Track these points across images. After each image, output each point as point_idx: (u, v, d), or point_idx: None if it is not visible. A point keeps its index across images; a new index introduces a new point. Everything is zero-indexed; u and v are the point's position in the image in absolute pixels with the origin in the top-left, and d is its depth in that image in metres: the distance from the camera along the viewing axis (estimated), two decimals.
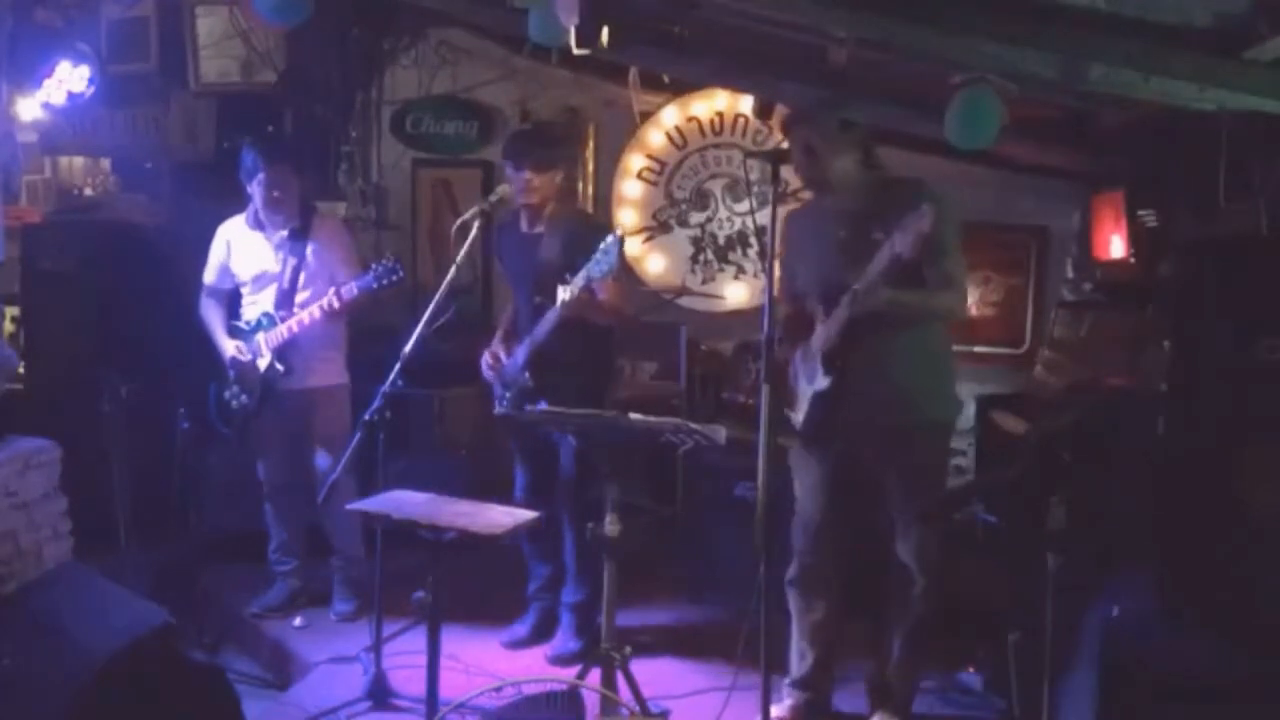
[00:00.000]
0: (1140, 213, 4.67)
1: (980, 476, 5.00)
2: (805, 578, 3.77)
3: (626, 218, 6.35)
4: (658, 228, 6.37)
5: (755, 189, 5.33)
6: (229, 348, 4.67)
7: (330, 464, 4.45)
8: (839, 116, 3.60)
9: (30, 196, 6.83)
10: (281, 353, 4.58)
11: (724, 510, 4.80)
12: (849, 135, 3.57)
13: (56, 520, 4.33)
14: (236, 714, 3.43)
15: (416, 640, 3.74)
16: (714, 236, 6.31)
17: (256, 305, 4.68)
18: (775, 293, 3.38)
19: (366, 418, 3.91)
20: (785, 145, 3.65)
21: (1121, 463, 3.70)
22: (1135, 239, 4.72)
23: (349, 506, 3.72)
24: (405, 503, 3.48)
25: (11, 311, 6.17)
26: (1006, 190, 5.68)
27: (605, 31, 3.37)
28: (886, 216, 3.32)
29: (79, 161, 7.18)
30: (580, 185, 6.39)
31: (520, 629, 4.50)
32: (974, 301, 5.73)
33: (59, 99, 5.27)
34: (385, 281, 4.26)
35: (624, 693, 3.45)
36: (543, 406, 3.94)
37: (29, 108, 5.26)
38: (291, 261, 4.61)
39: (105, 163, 7.03)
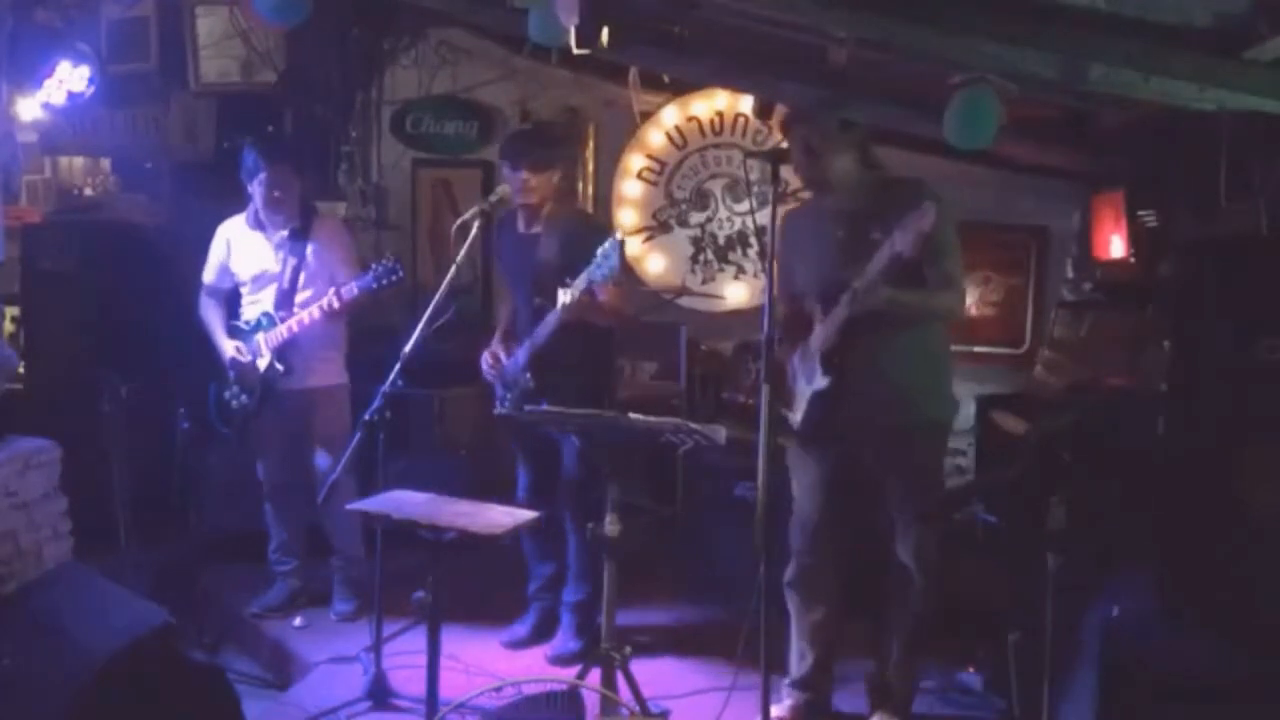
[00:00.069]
0: (1140, 213, 4.68)
1: (980, 476, 5.00)
2: (803, 579, 3.77)
3: (626, 218, 6.35)
4: (658, 228, 6.37)
5: (755, 189, 5.32)
6: (228, 348, 4.67)
7: (330, 464, 4.45)
8: (839, 116, 3.61)
9: (30, 196, 6.83)
10: (281, 353, 4.58)
11: (724, 510, 4.80)
12: (848, 135, 3.58)
13: (56, 520, 4.33)
14: (236, 714, 3.43)
15: (416, 640, 3.74)
16: (714, 236, 6.31)
17: (256, 305, 4.68)
18: (774, 292, 3.38)
19: (366, 418, 3.91)
20: (785, 145, 3.65)
21: (1121, 463, 3.69)
22: (1135, 239, 4.72)
23: (349, 506, 3.72)
24: (405, 503, 3.48)
25: (11, 311, 6.17)
26: (1006, 190, 5.68)
27: (605, 31, 3.36)
28: (885, 216, 3.32)
29: (79, 161, 7.18)
30: (580, 185, 6.39)
31: (520, 629, 4.50)
32: (974, 301, 5.73)
33: (59, 99, 5.27)
34: (385, 281, 4.26)
35: (624, 693, 3.45)
36: (543, 407, 3.94)
37: (29, 108, 5.26)
38: (291, 261, 4.61)
39: (105, 163, 7.03)
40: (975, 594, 4.03)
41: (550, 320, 4.07)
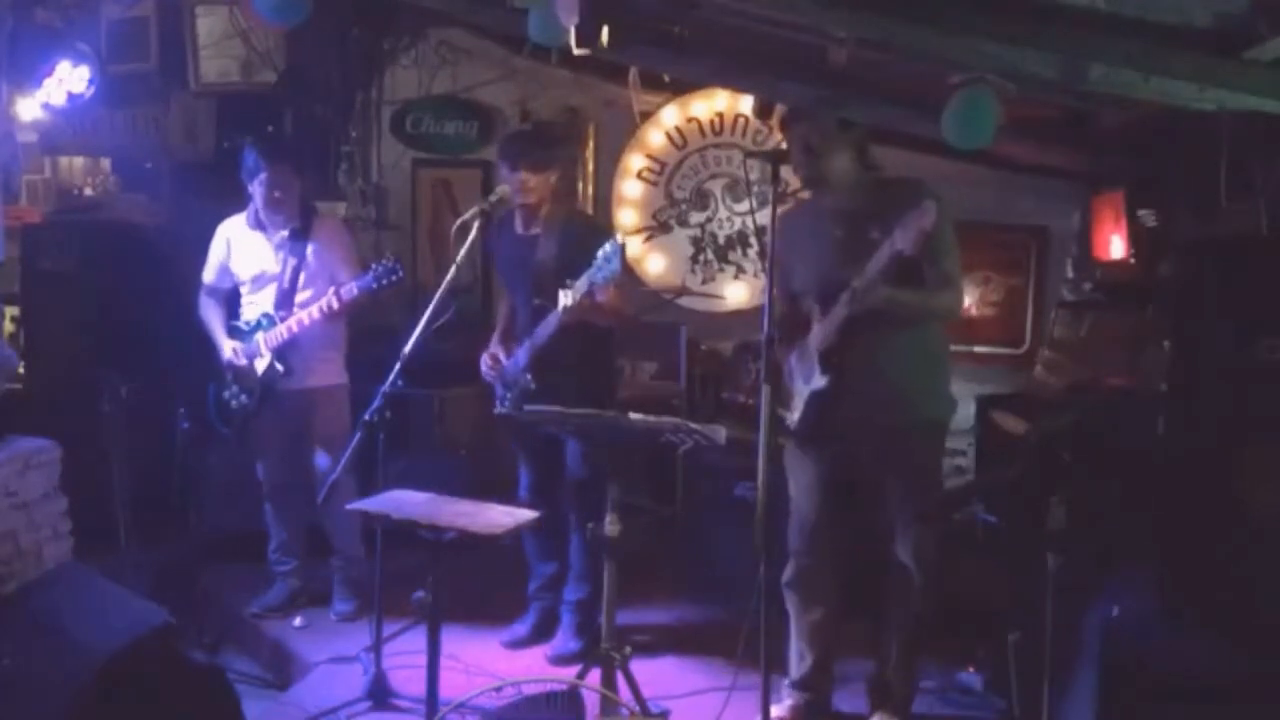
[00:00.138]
0: (1140, 213, 4.68)
1: (980, 476, 5.01)
2: (802, 579, 3.76)
3: (626, 218, 6.35)
4: (658, 228, 6.37)
5: (755, 189, 5.33)
6: (227, 349, 4.67)
7: (330, 464, 4.45)
8: (838, 116, 3.61)
9: (30, 196, 6.82)
10: (281, 353, 4.58)
11: (724, 510, 4.80)
12: (848, 134, 3.58)
13: (56, 520, 4.33)
14: (236, 714, 3.43)
15: (416, 640, 3.74)
16: (714, 236, 6.31)
17: (256, 305, 4.68)
18: (774, 292, 3.38)
19: (366, 418, 3.90)
20: (785, 145, 3.65)
21: (1121, 463, 3.69)
22: (1135, 239, 4.72)
23: (349, 506, 3.71)
24: (405, 503, 3.48)
25: (11, 311, 6.17)
26: (1006, 190, 5.68)
27: (605, 31, 3.36)
28: (884, 216, 3.32)
29: (79, 161, 7.17)
30: (580, 185, 6.39)
31: (520, 629, 4.50)
32: (974, 301, 5.73)
33: (59, 99, 5.26)
34: (385, 281, 4.26)
35: (624, 693, 3.45)
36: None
37: (29, 108, 5.25)
38: (291, 261, 4.61)
39: (105, 163, 7.02)
40: (975, 594, 4.03)
41: (551, 322, 4.08)
